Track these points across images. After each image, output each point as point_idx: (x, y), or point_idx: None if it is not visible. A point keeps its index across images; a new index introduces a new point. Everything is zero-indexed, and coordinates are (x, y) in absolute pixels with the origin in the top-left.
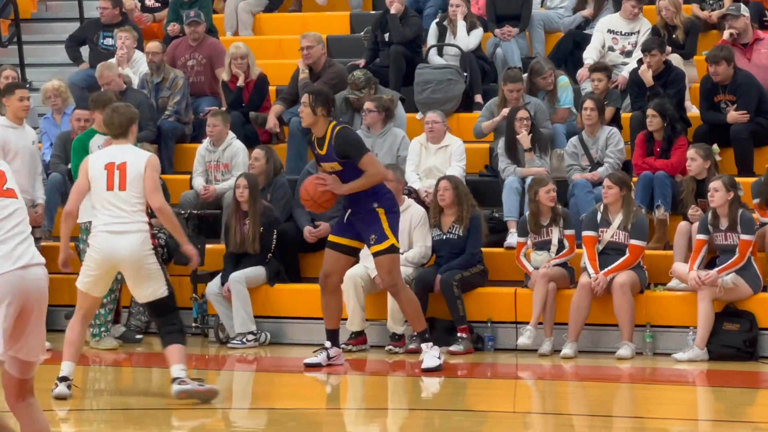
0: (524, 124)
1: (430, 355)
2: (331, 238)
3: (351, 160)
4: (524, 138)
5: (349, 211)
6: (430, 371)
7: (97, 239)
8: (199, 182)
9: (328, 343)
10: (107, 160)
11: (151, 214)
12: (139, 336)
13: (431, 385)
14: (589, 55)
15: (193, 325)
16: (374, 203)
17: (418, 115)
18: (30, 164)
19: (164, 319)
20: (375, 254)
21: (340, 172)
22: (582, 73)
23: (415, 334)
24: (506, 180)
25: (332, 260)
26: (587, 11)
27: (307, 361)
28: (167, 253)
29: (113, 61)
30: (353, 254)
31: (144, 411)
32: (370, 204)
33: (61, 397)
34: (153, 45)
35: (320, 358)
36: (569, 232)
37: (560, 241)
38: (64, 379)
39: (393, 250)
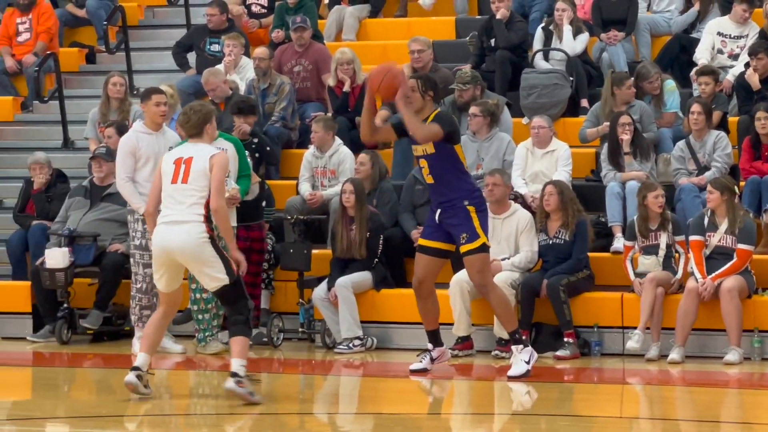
0: (626, 129)
1: (519, 359)
2: (421, 242)
3: (444, 141)
4: (624, 141)
5: (439, 210)
6: (516, 378)
7: (155, 231)
8: (305, 188)
9: (430, 345)
10: (178, 155)
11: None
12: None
13: (537, 390)
14: (701, 56)
15: (300, 330)
16: (465, 201)
17: (524, 120)
18: None
19: (233, 307)
20: (465, 253)
21: (432, 156)
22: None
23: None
24: (608, 186)
25: (424, 265)
26: (697, 5)
27: (412, 367)
28: (274, 258)
29: (220, 67)
30: (445, 257)
31: (249, 416)
32: (460, 202)
33: (130, 386)
34: (261, 51)
35: (425, 362)
36: (680, 238)
37: (668, 246)
38: (135, 369)
39: (484, 249)
